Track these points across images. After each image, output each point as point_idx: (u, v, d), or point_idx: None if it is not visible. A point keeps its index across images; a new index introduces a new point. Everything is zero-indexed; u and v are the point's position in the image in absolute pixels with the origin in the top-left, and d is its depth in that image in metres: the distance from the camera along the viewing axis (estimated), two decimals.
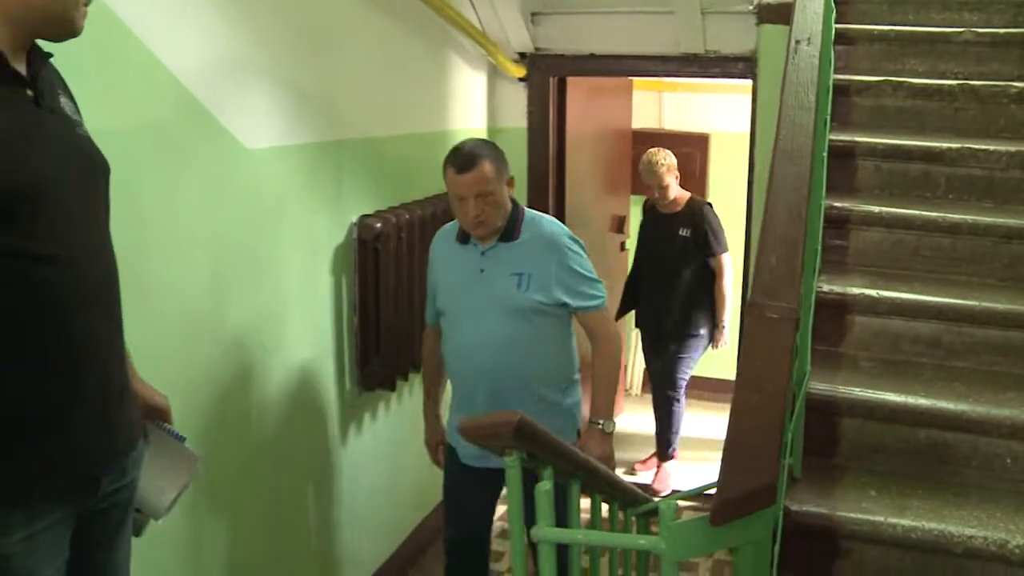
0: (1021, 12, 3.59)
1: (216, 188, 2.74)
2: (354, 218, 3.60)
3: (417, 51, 4.14)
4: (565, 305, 3.09)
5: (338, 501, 3.71)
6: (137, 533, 2.01)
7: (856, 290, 2.58)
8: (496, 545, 4.57)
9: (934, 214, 2.78)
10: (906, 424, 2.32)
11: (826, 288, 2.56)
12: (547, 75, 4.86)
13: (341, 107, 3.50)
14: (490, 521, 3.45)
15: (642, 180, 5.35)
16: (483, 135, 4.95)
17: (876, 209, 2.81)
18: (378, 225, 3.63)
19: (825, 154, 2.61)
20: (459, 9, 4.23)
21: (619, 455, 3.44)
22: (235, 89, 2.82)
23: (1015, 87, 3.20)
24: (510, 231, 3.09)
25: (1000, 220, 2.73)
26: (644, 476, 5.63)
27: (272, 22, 3.02)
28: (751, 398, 1.49)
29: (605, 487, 2.17)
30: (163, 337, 2.53)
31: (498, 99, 5.00)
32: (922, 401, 2.30)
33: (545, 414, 2.92)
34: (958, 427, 2.27)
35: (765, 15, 4.07)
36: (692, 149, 6.57)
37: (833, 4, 3.11)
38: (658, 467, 5.60)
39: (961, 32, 3.45)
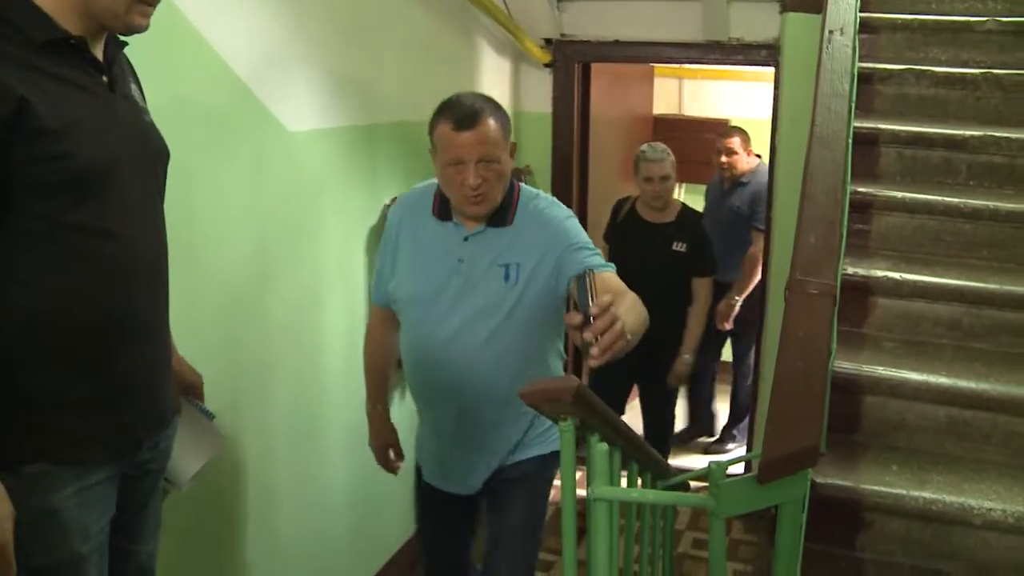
0: None
1: (259, 169, 2.82)
2: (387, 200, 3.67)
3: (448, 37, 4.21)
4: (562, 287, 2.51)
5: (372, 475, 3.75)
6: (161, 499, 2.10)
7: (879, 273, 2.64)
8: None
9: (956, 200, 2.84)
10: (927, 402, 2.39)
11: (850, 271, 2.62)
12: (572, 61, 4.91)
13: (376, 91, 3.57)
14: (468, 543, 2.99)
15: (638, 175, 4.53)
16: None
17: (899, 195, 2.87)
18: None
19: (850, 140, 2.67)
20: None
21: None
22: (279, 74, 2.89)
23: None
24: (503, 213, 2.51)
25: (1020, 206, 2.80)
26: None
27: (314, 9, 3.09)
28: (795, 365, 1.57)
29: (642, 457, 2.25)
30: (207, 314, 2.61)
31: (523, 84, 5.05)
32: (943, 380, 2.37)
33: (534, 442, 2.67)
34: (978, 405, 2.34)
35: (789, 3, 4.12)
36: (712, 135, 6.62)
37: None
38: None
39: (984, 21, 3.48)
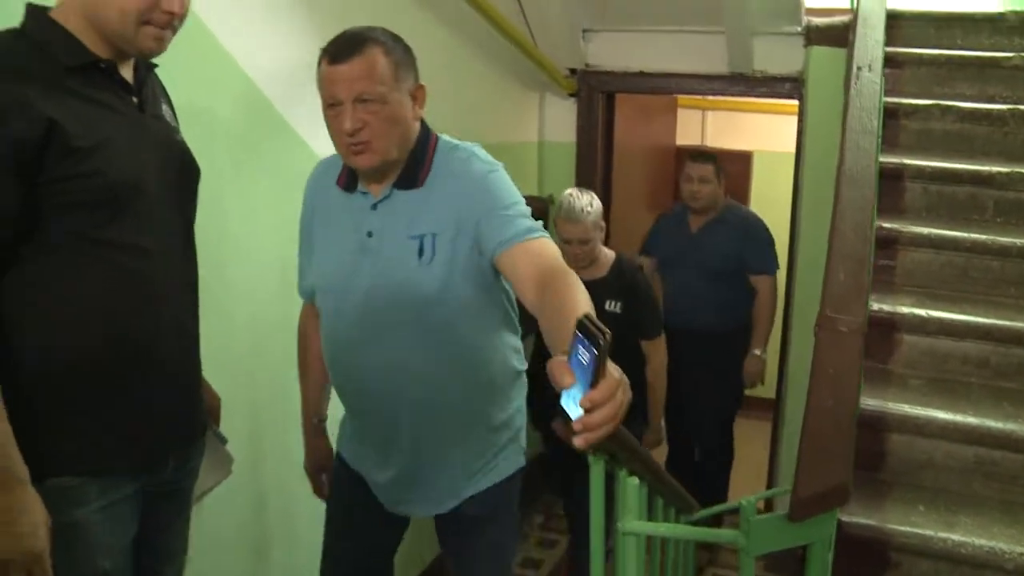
0: None
1: (286, 189, 2.80)
2: None
3: (473, 64, 4.20)
4: (485, 262, 2.02)
5: None
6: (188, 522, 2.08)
7: (905, 309, 2.60)
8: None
9: (983, 237, 2.79)
10: (954, 442, 2.34)
11: (876, 307, 2.58)
12: (596, 91, 4.89)
13: None
14: (391, 554, 2.54)
15: (559, 230, 3.60)
16: (534, 149, 4.99)
17: (925, 231, 2.83)
18: None
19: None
20: (514, 24, 4.28)
21: None
22: (306, 96, 2.87)
23: None
24: (412, 171, 2.05)
25: None
26: None
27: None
28: (826, 403, 1.54)
29: (666, 492, 2.21)
30: (234, 332, 2.60)
31: (548, 114, 5.03)
32: (971, 420, 2.32)
33: (488, 444, 2.23)
34: (1007, 446, 2.29)
35: (814, 37, 4.11)
36: (735, 166, 6.58)
37: None
38: None
39: (1011, 57, 3.45)
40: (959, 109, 3.29)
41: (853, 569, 2.13)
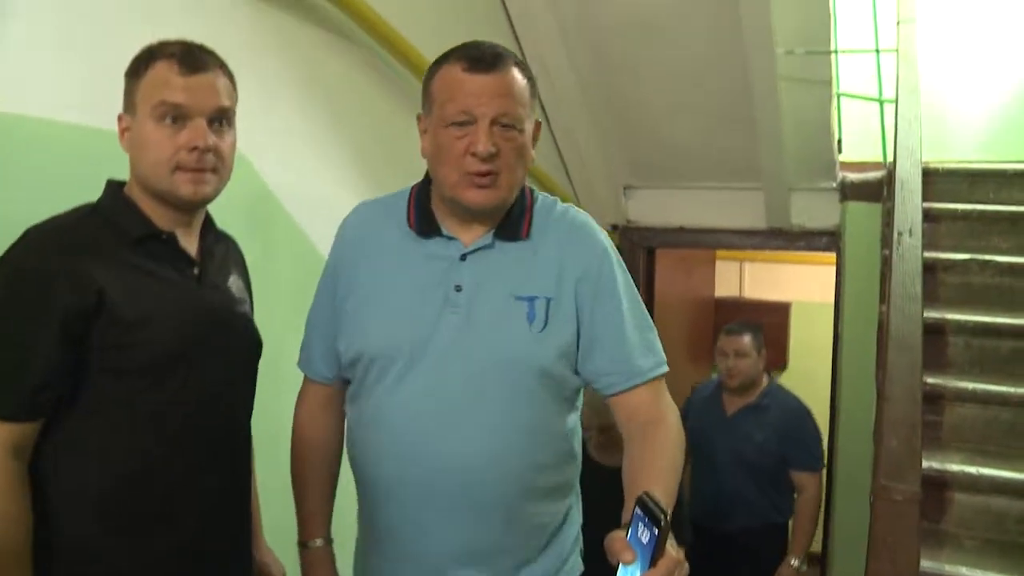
0: None
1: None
2: None
3: None
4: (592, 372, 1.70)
5: None
6: None
7: (955, 467, 2.54)
8: None
9: None
10: None
11: (925, 464, 2.52)
12: (638, 247, 4.96)
13: None
14: None
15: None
16: None
17: (970, 386, 2.79)
18: None
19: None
20: (557, 181, 4.37)
21: None
22: (324, 207, 2.84)
23: None
24: (515, 222, 1.70)
25: None
26: None
27: (366, 149, 3.05)
28: (884, 572, 1.50)
29: None
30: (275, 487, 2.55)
31: None
32: None
33: (545, 550, 1.75)
34: None
35: (849, 193, 4.17)
36: (773, 318, 6.57)
37: None
38: None
39: None
40: (997, 263, 3.28)
41: None
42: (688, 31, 3.85)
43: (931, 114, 3.88)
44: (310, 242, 2.65)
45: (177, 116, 1.60)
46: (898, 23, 3.95)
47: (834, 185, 4.30)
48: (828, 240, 4.54)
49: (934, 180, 3.78)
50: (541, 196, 1.77)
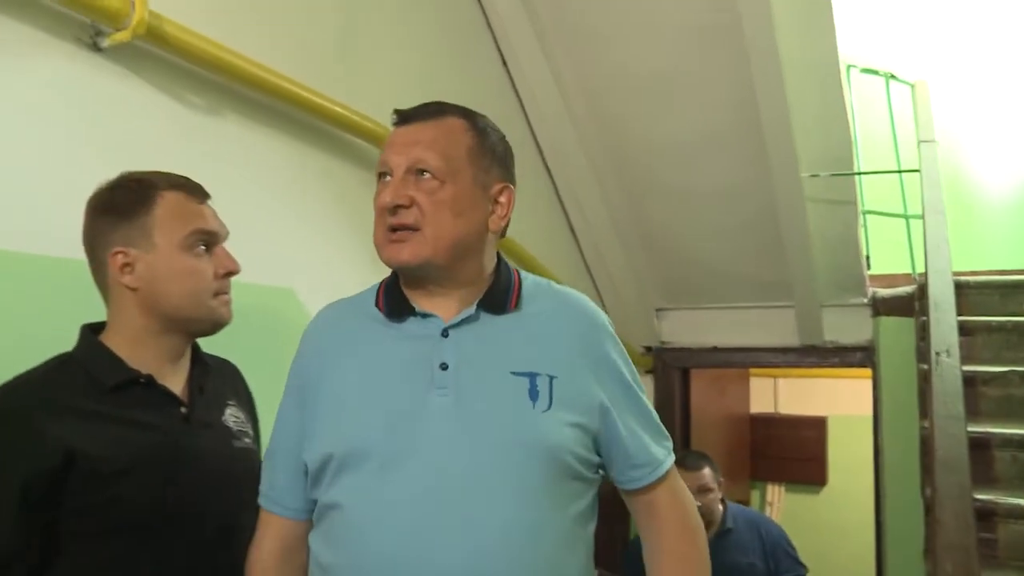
0: None
1: None
2: None
3: None
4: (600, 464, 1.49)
5: None
6: None
7: None
8: None
9: None
10: None
11: None
12: (672, 367, 4.94)
13: None
14: None
15: None
16: None
17: (1022, 502, 2.71)
18: None
19: None
20: None
21: None
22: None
23: None
24: (500, 295, 1.48)
25: None
26: None
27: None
28: None
29: None
30: None
31: None
32: None
33: None
34: None
35: (881, 308, 4.16)
36: (809, 432, 6.48)
37: None
38: None
39: None
40: None
41: None
42: (715, 159, 3.92)
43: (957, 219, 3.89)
44: None
45: (208, 243, 1.58)
46: (919, 143, 4.00)
47: (865, 300, 4.30)
48: (863, 355, 4.50)
49: (966, 293, 3.77)
50: (532, 276, 1.58)
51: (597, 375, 1.46)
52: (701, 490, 3.39)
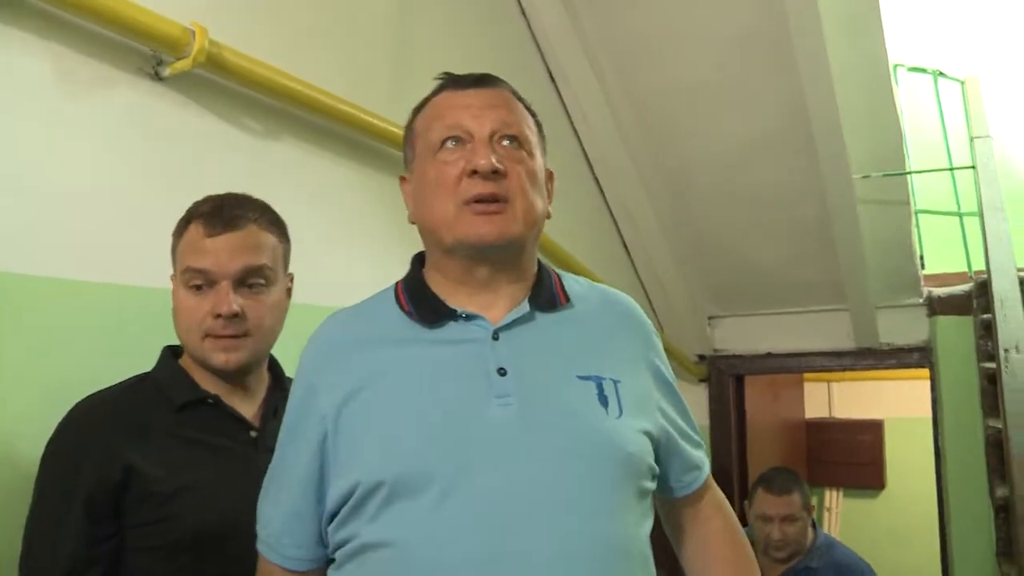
0: None
1: None
2: None
3: None
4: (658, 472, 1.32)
5: None
6: None
7: None
8: None
9: None
10: None
11: None
12: (726, 375, 4.88)
13: None
14: None
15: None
16: None
17: None
18: None
19: None
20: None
21: None
22: None
23: None
24: (548, 290, 1.32)
25: None
26: None
27: None
28: None
29: None
30: None
31: None
32: None
33: None
34: None
35: (937, 307, 4.08)
36: (866, 436, 6.36)
37: None
38: None
39: None
40: None
41: None
42: (766, 165, 3.87)
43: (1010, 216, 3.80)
44: None
45: (204, 281, 1.51)
46: (971, 140, 3.92)
47: (920, 301, 4.22)
48: (920, 356, 4.40)
49: None
50: (562, 272, 1.43)
51: (653, 377, 1.35)
52: (786, 520, 2.97)
